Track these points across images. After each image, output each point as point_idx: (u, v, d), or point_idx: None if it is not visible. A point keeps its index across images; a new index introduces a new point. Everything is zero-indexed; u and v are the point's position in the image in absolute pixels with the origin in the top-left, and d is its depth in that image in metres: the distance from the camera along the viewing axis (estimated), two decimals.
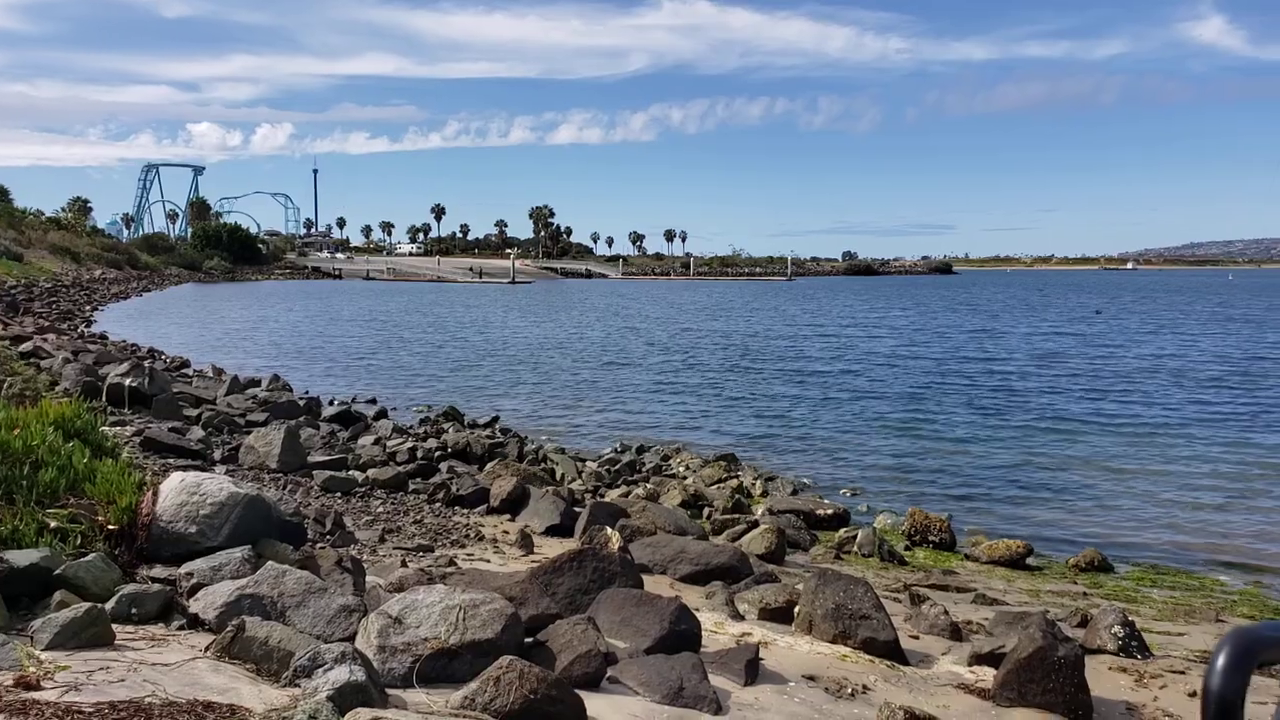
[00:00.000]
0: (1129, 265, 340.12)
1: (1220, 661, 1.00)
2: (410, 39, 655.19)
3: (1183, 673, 6.82)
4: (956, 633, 7.45)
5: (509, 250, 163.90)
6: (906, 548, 11.28)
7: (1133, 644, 7.31)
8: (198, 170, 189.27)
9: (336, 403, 20.57)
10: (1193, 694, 6.38)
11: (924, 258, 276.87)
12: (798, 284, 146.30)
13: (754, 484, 14.27)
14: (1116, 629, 7.39)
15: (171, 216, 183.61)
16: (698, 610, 6.95)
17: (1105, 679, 6.58)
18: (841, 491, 14.33)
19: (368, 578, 6.96)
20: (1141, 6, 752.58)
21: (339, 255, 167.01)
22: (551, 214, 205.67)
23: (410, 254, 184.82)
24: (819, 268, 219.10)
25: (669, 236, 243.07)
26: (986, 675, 6.28)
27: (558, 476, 13.91)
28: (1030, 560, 10.72)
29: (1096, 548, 10.96)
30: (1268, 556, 10.70)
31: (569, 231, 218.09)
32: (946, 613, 7.70)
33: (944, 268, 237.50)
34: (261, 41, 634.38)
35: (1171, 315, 60.78)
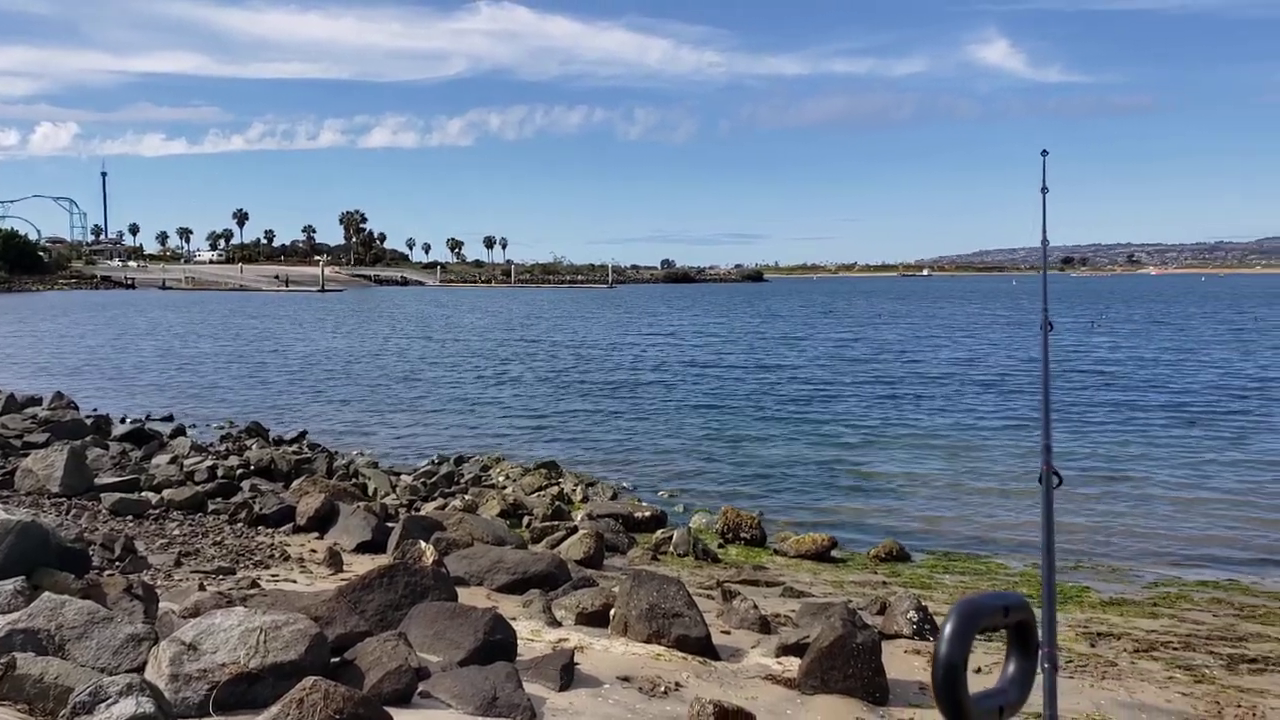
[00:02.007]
0: (925, 272, 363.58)
1: (947, 630, 1.10)
2: (214, 36, 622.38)
3: (970, 651, 7.32)
4: (765, 626, 7.72)
5: (318, 257, 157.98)
6: (720, 545, 11.60)
7: (926, 627, 7.80)
8: None
9: (129, 421, 19.24)
10: (978, 670, 6.85)
11: (737, 266, 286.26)
12: (618, 291, 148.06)
13: (575, 490, 14.32)
14: (911, 614, 7.86)
15: None
16: (514, 619, 6.93)
17: (901, 661, 6.99)
18: (659, 494, 14.59)
19: (161, 604, 6.56)
20: (936, 28, 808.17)
21: (132, 264, 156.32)
22: (364, 219, 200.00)
23: (211, 262, 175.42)
24: (639, 275, 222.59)
25: (489, 243, 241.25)
26: (793, 665, 6.55)
27: (370, 491, 13.52)
28: (835, 553, 11.23)
29: (895, 539, 11.60)
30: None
31: (383, 238, 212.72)
32: (756, 607, 7.98)
33: (756, 275, 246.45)
34: (43, 33, 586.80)
35: (962, 320, 65.22)
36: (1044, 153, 3.06)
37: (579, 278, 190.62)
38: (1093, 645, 7.74)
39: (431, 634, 6.12)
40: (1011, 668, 1.23)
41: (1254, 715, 5.99)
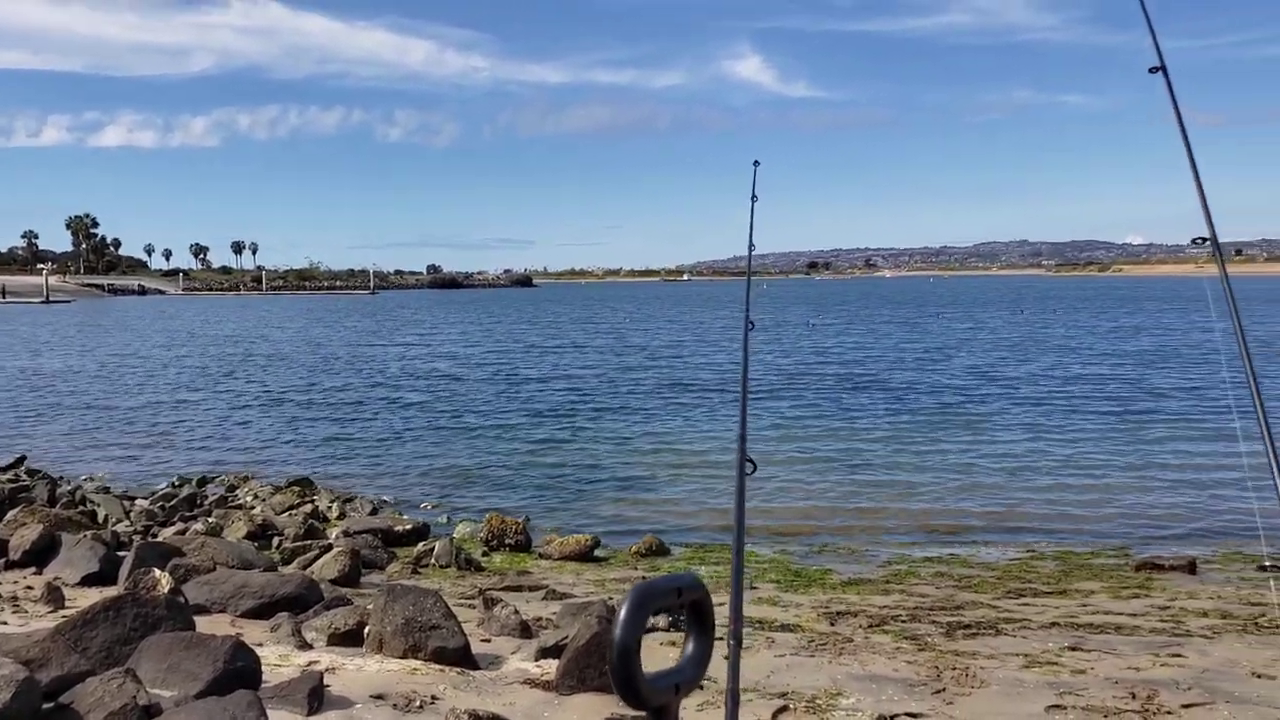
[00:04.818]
0: (685, 277, 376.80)
1: (621, 614, 1.14)
2: None
3: (720, 639, 7.65)
4: (526, 630, 7.73)
5: (41, 265, 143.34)
6: (485, 553, 11.50)
7: (682, 618, 8.07)
8: None
9: None
10: (725, 656, 7.15)
11: (506, 271, 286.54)
12: (381, 298, 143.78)
13: (330, 507, 13.76)
14: None
15: None
16: (260, 645, 6.58)
17: (658, 654, 7.18)
18: (423, 505, 14.30)
19: None
20: (694, 41, 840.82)
21: None
22: (95, 224, 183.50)
23: None
24: (404, 281, 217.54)
25: (237, 249, 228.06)
26: (552, 667, 6.58)
27: (100, 519, 12.41)
28: (598, 552, 11.42)
29: (655, 534, 11.94)
30: (790, 525, 12.40)
31: (117, 244, 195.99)
32: (517, 612, 7.97)
33: (525, 280, 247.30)
34: None
35: (718, 325, 68.11)
36: (755, 163, 3.25)
37: (338, 284, 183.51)
38: (833, 624, 8.29)
39: (165, 667, 5.71)
40: (690, 646, 1.29)
41: (966, 675, 6.61)
